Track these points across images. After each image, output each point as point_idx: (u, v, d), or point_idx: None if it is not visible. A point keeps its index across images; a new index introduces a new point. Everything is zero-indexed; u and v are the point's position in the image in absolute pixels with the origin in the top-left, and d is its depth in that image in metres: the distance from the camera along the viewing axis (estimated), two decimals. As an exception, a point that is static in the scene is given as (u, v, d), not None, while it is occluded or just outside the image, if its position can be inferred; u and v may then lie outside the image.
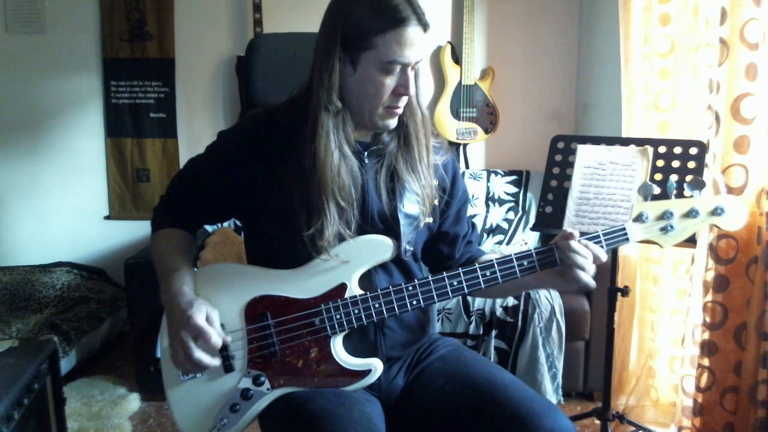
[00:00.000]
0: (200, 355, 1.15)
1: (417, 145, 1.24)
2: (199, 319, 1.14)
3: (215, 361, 1.17)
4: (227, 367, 1.20)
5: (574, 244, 1.18)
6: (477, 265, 1.21)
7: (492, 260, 1.21)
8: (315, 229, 1.17)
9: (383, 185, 1.25)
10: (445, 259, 1.40)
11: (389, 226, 1.25)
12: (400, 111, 1.21)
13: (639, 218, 1.22)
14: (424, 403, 1.27)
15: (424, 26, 1.14)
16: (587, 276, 1.18)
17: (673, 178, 1.83)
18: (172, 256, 1.26)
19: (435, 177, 1.29)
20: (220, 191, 1.27)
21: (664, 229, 1.23)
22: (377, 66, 1.14)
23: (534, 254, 1.21)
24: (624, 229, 1.22)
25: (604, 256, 1.19)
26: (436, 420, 1.24)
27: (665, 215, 1.22)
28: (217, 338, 1.15)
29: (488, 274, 1.21)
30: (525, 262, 1.21)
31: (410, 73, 1.16)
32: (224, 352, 1.19)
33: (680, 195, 1.23)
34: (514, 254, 1.21)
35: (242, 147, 1.24)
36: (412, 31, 1.12)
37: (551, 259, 1.21)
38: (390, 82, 1.16)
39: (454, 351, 1.35)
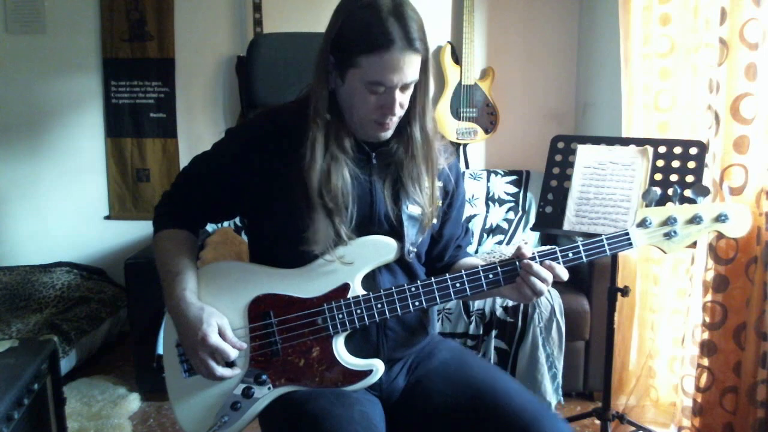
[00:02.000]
0: (223, 371, 1.18)
1: (422, 152, 1.24)
2: (214, 338, 1.16)
3: (238, 371, 1.20)
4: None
5: (536, 267, 1.17)
6: (480, 267, 1.21)
7: (495, 263, 1.21)
8: (310, 231, 1.18)
9: (390, 187, 1.25)
10: (434, 259, 1.40)
11: (394, 228, 1.25)
12: (389, 126, 1.20)
13: (643, 224, 1.22)
14: (426, 406, 1.27)
15: (415, 49, 1.11)
16: (536, 297, 1.19)
17: (674, 178, 1.84)
18: (174, 259, 1.26)
19: (440, 179, 1.29)
20: (225, 189, 1.27)
21: (668, 235, 1.22)
22: (362, 83, 1.13)
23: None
24: (627, 234, 1.22)
25: (564, 276, 1.19)
26: (436, 423, 1.24)
27: (669, 221, 1.22)
28: (235, 353, 1.18)
29: (491, 276, 1.21)
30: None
31: (397, 94, 1.14)
32: None
33: (683, 201, 1.24)
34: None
35: (247, 146, 1.24)
36: (398, 54, 1.09)
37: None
38: (375, 100, 1.15)
39: (456, 355, 1.35)
